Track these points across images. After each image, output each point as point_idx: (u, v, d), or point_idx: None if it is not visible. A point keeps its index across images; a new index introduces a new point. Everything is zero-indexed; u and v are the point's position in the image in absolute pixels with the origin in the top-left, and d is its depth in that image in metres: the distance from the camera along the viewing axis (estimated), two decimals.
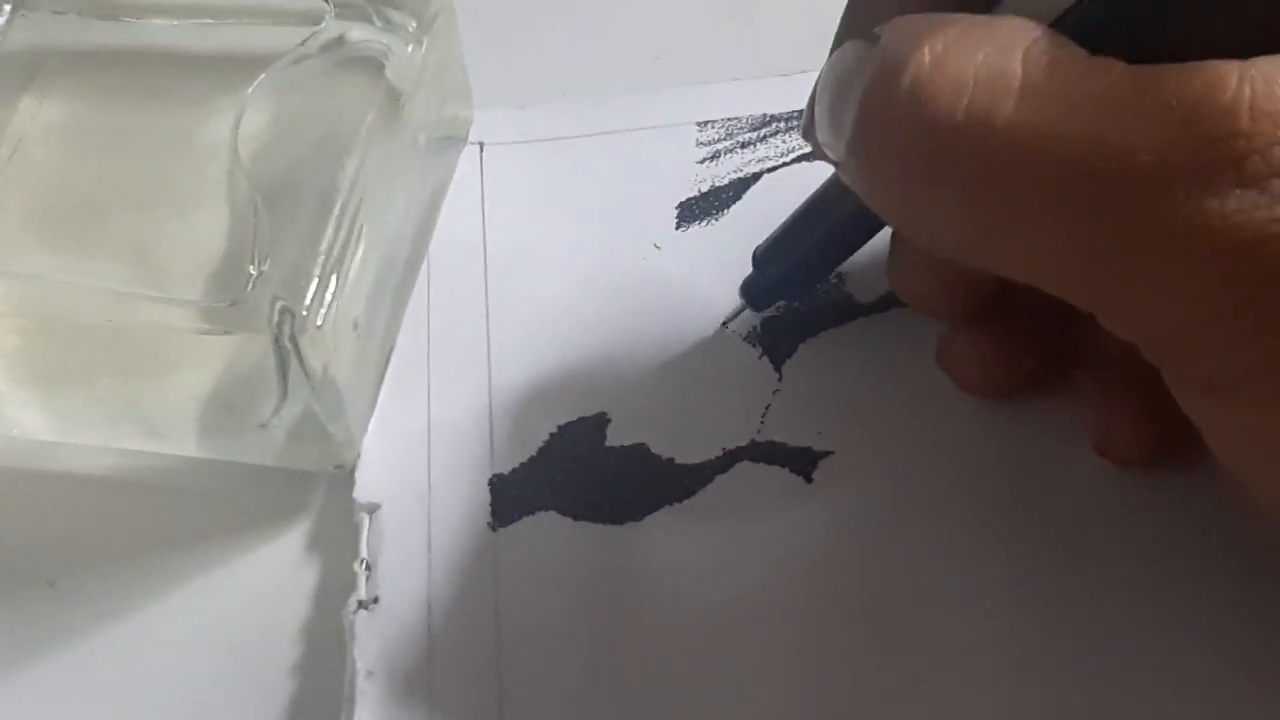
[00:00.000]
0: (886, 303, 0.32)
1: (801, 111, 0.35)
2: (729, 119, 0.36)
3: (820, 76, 0.25)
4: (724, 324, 0.32)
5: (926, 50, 0.22)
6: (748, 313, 0.32)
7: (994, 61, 0.21)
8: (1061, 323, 0.29)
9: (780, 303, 0.32)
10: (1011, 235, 0.22)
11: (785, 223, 0.31)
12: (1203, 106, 0.19)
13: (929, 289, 0.29)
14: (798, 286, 0.32)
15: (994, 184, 0.21)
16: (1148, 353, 0.22)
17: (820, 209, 0.30)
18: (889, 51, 0.22)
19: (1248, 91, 0.19)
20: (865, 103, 0.23)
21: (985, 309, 0.29)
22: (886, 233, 0.29)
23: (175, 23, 0.33)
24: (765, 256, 0.31)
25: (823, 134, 0.25)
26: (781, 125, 0.36)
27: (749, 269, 0.32)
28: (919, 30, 0.22)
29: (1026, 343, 0.30)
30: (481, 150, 0.36)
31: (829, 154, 0.25)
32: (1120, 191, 0.20)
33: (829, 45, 0.37)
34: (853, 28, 0.26)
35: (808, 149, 0.35)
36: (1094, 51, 0.21)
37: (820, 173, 0.34)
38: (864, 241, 0.29)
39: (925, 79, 0.22)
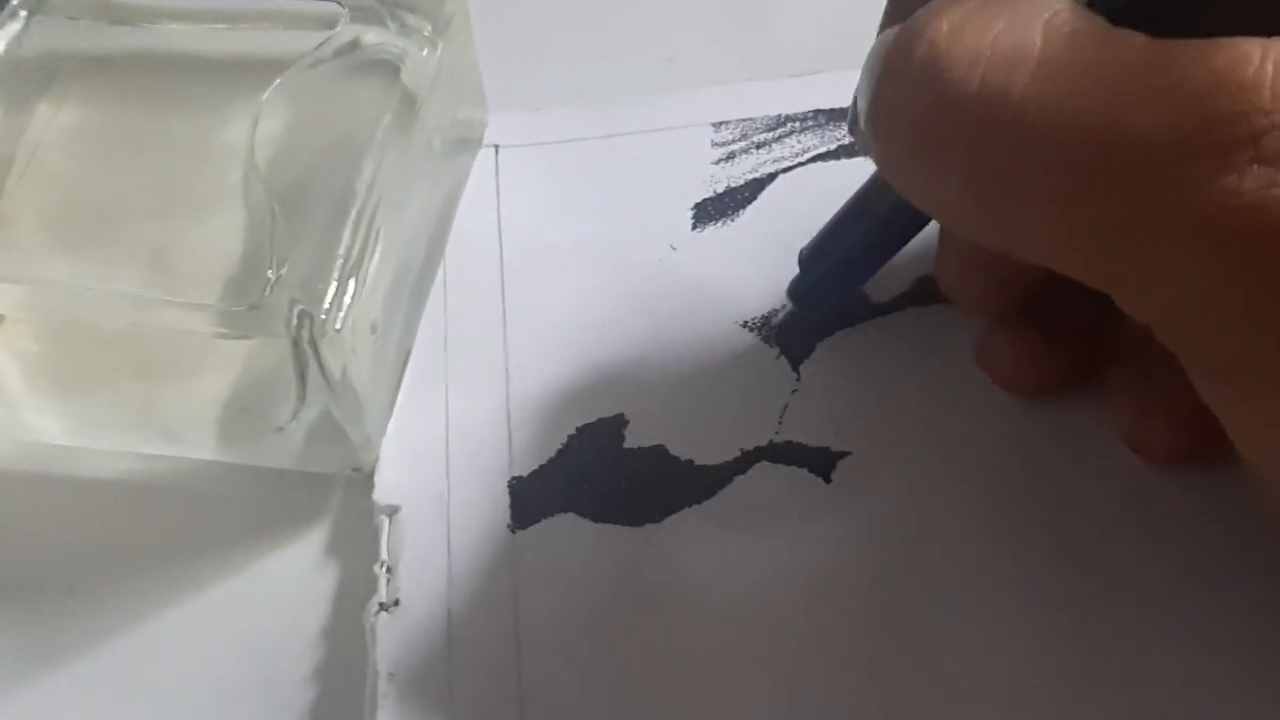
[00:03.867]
0: (903, 302, 0.32)
1: (816, 111, 0.36)
2: (744, 120, 0.36)
3: (863, 67, 0.24)
4: (767, 324, 0.32)
5: (944, 20, 0.22)
6: (792, 312, 0.32)
7: (1013, 32, 0.21)
8: (1099, 322, 0.29)
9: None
10: (1023, 212, 0.22)
11: (829, 223, 0.30)
12: (1224, 83, 0.19)
13: (973, 285, 0.29)
14: (843, 285, 0.32)
15: (1008, 158, 0.21)
16: (1161, 335, 0.22)
17: (863, 207, 0.29)
18: (909, 23, 0.22)
19: (1270, 69, 0.19)
20: (881, 74, 0.23)
21: (1026, 307, 0.29)
22: (930, 230, 0.29)
23: (190, 28, 0.33)
24: (810, 257, 0.31)
25: (864, 125, 0.24)
26: (796, 125, 0.36)
27: (765, 269, 0.32)
28: (943, 3, 0.22)
29: (1064, 341, 0.30)
30: (496, 153, 0.36)
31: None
32: (1134, 167, 0.20)
33: (843, 45, 0.37)
34: (894, 15, 0.26)
35: (823, 149, 0.35)
36: (1117, 25, 0.20)
37: (837, 168, 0.35)
38: (909, 238, 0.29)
39: (941, 49, 0.21)
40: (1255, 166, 0.19)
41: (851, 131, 0.25)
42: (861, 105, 0.24)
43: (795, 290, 0.32)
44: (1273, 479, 0.22)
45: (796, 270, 0.32)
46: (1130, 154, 0.20)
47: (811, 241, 0.31)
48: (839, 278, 0.31)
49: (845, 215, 0.30)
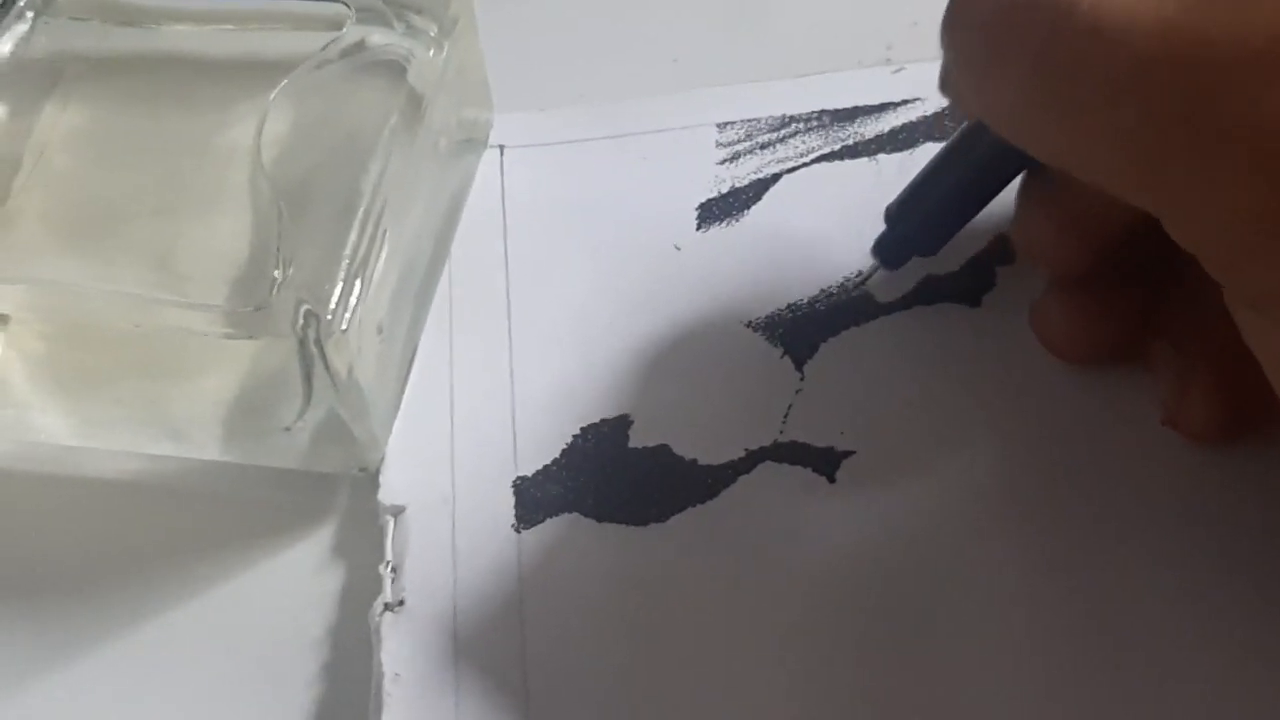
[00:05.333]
0: (907, 302, 0.32)
1: (820, 112, 0.36)
2: (748, 120, 0.36)
3: None
4: (859, 284, 0.32)
5: None
6: (882, 271, 0.32)
7: None
8: (1150, 297, 0.29)
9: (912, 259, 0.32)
10: (1085, 121, 0.22)
11: (916, 178, 0.31)
12: None
13: (1049, 236, 0.29)
14: (929, 241, 0.32)
15: (1075, 60, 0.21)
16: (1208, 263, 0.22)
17: (950, 163, 0.30)
18: None
19: None
20: None
21: (1088, 271, 0.29)
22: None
23: (196, 29, 0.33)
24: (897, 214, 0.31)
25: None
26: (800, 126, 0.36)
27: (770, 269, 0.32)
28: None
29: (1117, 311, 0.30)
30: (502, 153, 0.36)
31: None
32: (1201, 79, 0.20)
33: (847, 47, 0.37)
34: None
35: (827, 149, 0.35)
36: None
37: (841, 169, 0.35)
38: (994, 193, 0.30)
39: None
40: None
41: (942, 89, 0.26)
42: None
43: (881, 247, 0.32)
44: None
45: (798, 270, 0.32)
46: (1198, 65, 0.20)
47: (898, 197, 0.31)
48: (926, 233, 0.31)
49: (933, 170, 0.30)
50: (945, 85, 0.26)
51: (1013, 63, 0.23)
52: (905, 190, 0.31)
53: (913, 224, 0.31)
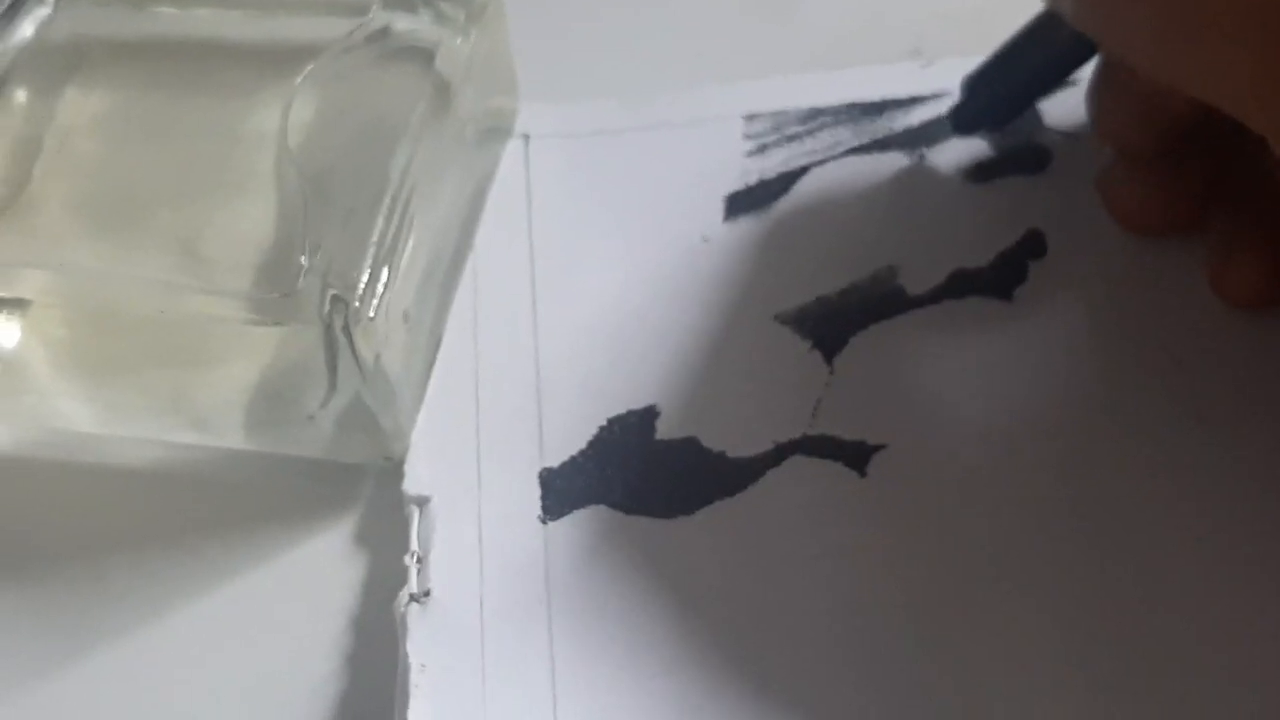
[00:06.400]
0: (937, 295, 0.32)
1: (849, 105, 0.35)
2: (776, 112, 0.36)
3: None
4: (925, 152, 0.34)
5: None
6: (952, 142, 0.34)
7: None
8: (1216, 166, 0.30)
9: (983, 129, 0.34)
10: (1201, 47, 0.24)
11: (996, 51, 0.32)
12: None
13: (1127, 117, 0.30)
14: (1001, 114, 0.34)
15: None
16: None
17: (1030, 42, 0.31)
18: None
19: None
20: None
21: (1160, 149, 0.30)
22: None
23: (221, 13, 0.33)
24: (975, 83, 0.33)
25: None
26: (829, 119, 0.35)
27: (798, 260, 0.32)
28: None
29: (1183, 180, 0.31)
30: (527, 143, 0.36)
31: None
32: None
33: (875, 39, 0.37)
34: None
35: (856, 142, 0.35)
36: None
37: (870, 162, 0.34)
38: (1069, 74, 0.32)
39: None
40: None
41: None
42: None
43: (956, 115, 0.34)
44: None
45: (827, 263, 0.32)
46: None
47: (978, 68, 0.33)
48: (999, 106, 0.33)
49: (1013, 47, 0.32)
50: None
51: None
52: (986, 60, 0.33)
53: (988, 95, 0.33)
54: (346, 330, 0.27)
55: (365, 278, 0.27)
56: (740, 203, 0.34)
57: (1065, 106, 0.34)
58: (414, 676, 0.27)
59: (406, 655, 0.28)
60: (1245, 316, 0.30)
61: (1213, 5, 0.23)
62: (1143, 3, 0.24)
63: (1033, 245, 0.32)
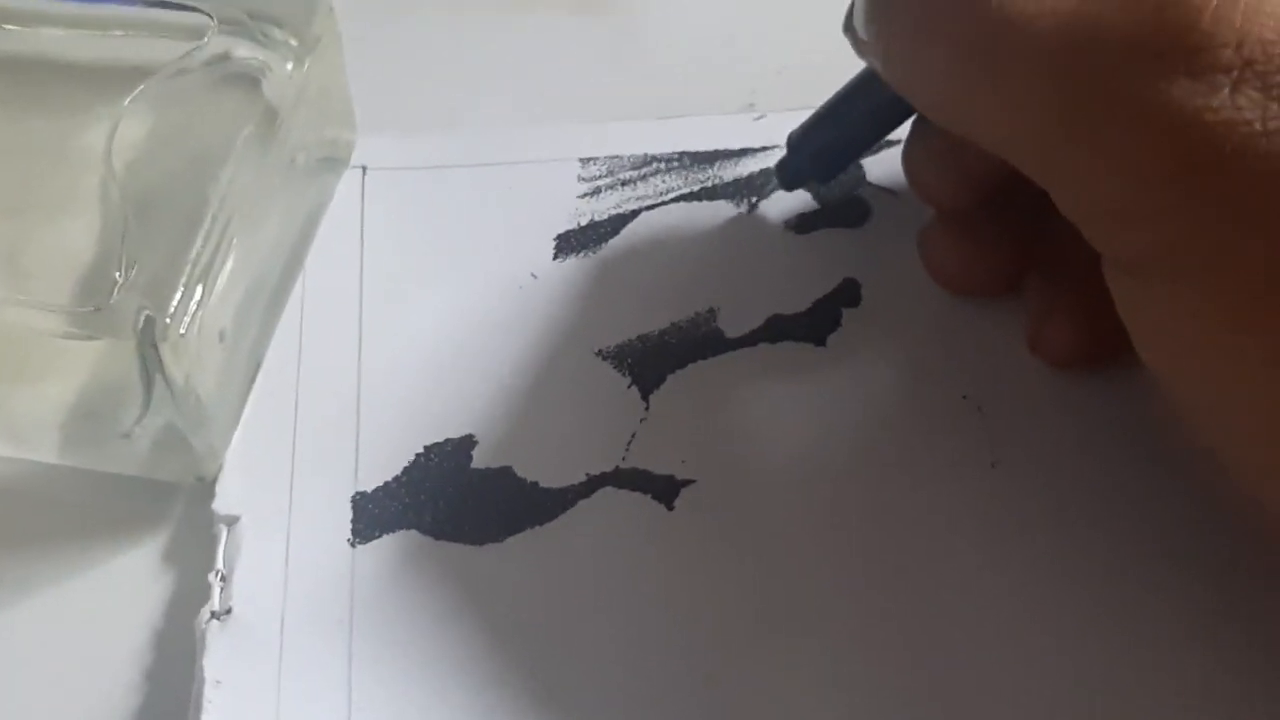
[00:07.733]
0: (754, 338, 0.33)
1: (681, 154, 0.36)
2: (611, 157, 0.36)
3: None
4: (755, 202, 0.35)
5: None
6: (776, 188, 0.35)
7: None
8: (1031, 229, 0.31)
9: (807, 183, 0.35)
10: (991, 96, 0.25)
11: (819, 110, 0.33)
12: (1178, 1, 0.22)
13: (937, 174, 0.32)
14: (824, 169, 0.34)
15: (984, 44, 0.25)
16: (1087, 230, 0.25)
17: (850, 101, 0.32)
18: None
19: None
20: None
21: (973, 205, 0.32)
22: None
23: (59, 32, 0.33)
24: (799, 140, 0.34)
25: (858, 19, 0.28)
26: (661, 166, 0.36)
27: (622, 301, 0.33)
28: None
29: (998, 241, 0.32)
30: (364, 174, 0.36)
31: (861, 38, 0.29)
32: (1088, 61, 0.23)
33: (708, 92, 0.38)
34: None
35: (685, 190, 0.36)
36: None
37: (698, 209, 0.35)
38: (886, 132, 0.33)
39: None
40: (1185, 79, 0.22)
41: (845, 31, 0.29)
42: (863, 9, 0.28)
43: (781, 170, 0.35)
44: (1170, 379, 0.26)
45: (650, 303, 0.33)
46: (1090, 45, 0.23)
47: (802, 125, 0.34)
48: (821, 162, 0.34)
49: (835, 105, 0.33)
50: (848, 28, 0.29)
51: (936, 48, 0.26)
52: (809, 119, 0.34)
53: (810, 151, 0.34)
54: (155, 346, 0.27)
55: (178, 295, 0.27)
56: (570, 242, 0.35)
57: (886, 164, 0.35)
58: (208, 692, 0.27)
59: (202, 670, 0.28)
60: (1046, 367, 0.32)
61: (1002, 49, 0.24)
62: (939, 47, 0.26)
63: (848, 294, 0.33)
